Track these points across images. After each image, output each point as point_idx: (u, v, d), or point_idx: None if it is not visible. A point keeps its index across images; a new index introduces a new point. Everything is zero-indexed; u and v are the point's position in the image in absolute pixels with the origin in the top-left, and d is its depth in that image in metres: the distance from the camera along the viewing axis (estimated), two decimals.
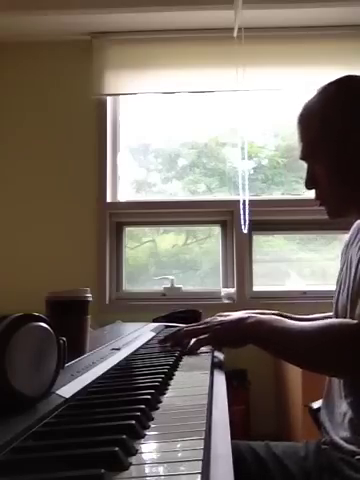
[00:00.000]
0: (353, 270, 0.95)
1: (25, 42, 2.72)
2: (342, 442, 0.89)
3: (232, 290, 2.63)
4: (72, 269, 2.59)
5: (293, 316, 1.16)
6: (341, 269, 1.04)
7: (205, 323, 1.02)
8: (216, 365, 0.87)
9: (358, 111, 0.96)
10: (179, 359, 0.90)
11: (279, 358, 1.04)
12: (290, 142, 2.86)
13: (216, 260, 2.78)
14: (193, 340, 0.98)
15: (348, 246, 1.06)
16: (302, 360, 0.90)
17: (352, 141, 0.95)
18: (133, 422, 0.48)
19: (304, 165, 1.04)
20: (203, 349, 0.98)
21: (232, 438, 0.50)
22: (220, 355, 0.97)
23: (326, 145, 0.97)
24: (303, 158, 1.03)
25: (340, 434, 0.91)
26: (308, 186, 1.03)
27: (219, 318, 1.02)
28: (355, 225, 1.07)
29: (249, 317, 0.95)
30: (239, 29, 2.46)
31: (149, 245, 2.92)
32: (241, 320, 0.95)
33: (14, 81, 2.75)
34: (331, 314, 1.10)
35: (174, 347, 0.97)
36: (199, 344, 0.96)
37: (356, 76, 1.00)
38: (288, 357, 0.95)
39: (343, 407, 0.92)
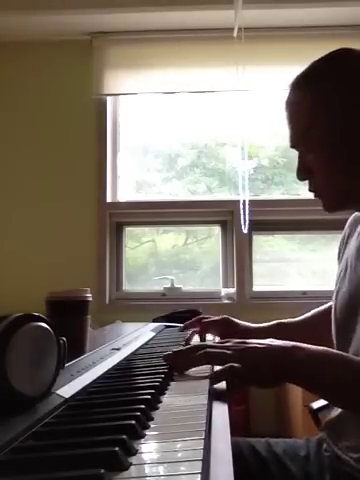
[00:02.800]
0: (353, 265, 0.91)
1: (25, 42, 2.72)
2: (348, 452, 0.87)
3: (232, 290, 2.63)
4: (72, 269, 2.59)
5: (293, 320, 1.15)
6: (341, 266, 1.00)
7: (222, 343, 0.79)
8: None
9: (355, 91, 0.86)
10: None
11: (326, 400, 0.86)
12: None
13: (216, 260, 2.78)
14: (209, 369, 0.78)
15: (345, 241, 1.02)
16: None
17: (349, 125, 0.85)
18: (133, 422, 0.48)
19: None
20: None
21: (232, 437, 0.50)
22: None
23: (319, 130, 0.87)
24: (293, 146, 0.94)
25: (345, 442, 0.89)
26: (300, 177, 0.93)
27: (253, 341, 0.78)
28: (351, 219, 1.03)
29: (298, 349, 0.75)
30: (239, 29, 2.46)
31: (149, 245, 2.92)
32: (289, 351, 0.75)
33: (14, 81, 2.74)
34: (330, 304, 1.09)
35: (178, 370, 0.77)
36: (227, 374, 0.71)
37: (353, 50, 0.91)
38: (341, 401, 0.79)
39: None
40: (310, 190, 0.94)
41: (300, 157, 0.93)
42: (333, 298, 0.99)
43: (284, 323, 1.16)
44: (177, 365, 0.78)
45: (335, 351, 0.78)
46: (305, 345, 0.76)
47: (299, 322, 1.17)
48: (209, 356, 0.76)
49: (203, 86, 2.67)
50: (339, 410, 0.92)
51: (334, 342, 0.96)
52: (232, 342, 0.78)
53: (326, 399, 0.85)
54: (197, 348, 0.78)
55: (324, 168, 0.89)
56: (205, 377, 0.72)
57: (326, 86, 0.87)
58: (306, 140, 0.90)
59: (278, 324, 1.16)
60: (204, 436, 0.46)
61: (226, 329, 1.12)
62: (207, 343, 0.82)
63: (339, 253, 1.06)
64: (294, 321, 1.17)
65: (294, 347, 0.75)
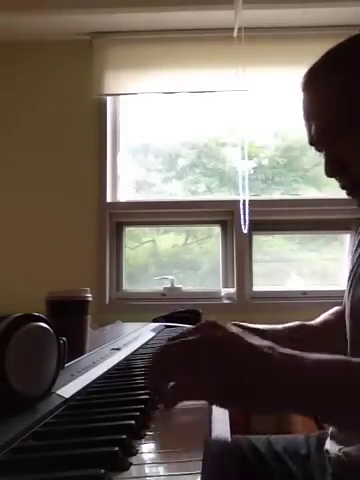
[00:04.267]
0: None
1: (25, 42, 2.72)
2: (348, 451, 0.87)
3: (232, 290, 2.63)
4: (72, 269, 2.59)
5: (290, 325, 1.07)
6: (354, 263, 0.93)
7: (194, 356, 0.55)
8: None
9: None
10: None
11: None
12: (290, 142, 2.86)
13: (216, 260, 2.78)
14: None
15: None
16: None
17: None
18: (133, 422, 0.48)
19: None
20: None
21: (232, 435, 0.50)
22: None
23: (354, 117, 0.79)
24: (316, 143, 0.85)
25: (344, 442, 0.88)
26: (331, 173, 0.83)
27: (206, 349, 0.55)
28: None
29: (255, 358, 0.55)
30: (239, 29, 2.46)
31: (149, 245, 2.92)
32: (246, 367, 0.54)
33: (14, 81, 2.74)
34: (338, 308, 1.06)
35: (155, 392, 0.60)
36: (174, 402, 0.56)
37: None
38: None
39: None
40: (343, 187, 0.84)
41: (328, 153, 0.84)
42: (347, 294, 0.94)
43: (300, 326, 1.06)
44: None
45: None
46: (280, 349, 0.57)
47: (302, 325, 1.09)
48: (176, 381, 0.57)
49: (203, 86, 2.67)
50: None
51: (349, 340, 0.92)
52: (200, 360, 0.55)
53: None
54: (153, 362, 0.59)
55: None
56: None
57: (351, 72, 0.80)
58: (336, 131, 0.81)
59: (298, 326, 1.05)
60: (204, 435, 0.46)
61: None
62: (161, 350, 0.60)
63: (355, 249, 0.98)
64: (292, 327, 1.06)
65: (269, 348, 0.56)
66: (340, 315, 1.00)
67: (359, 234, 1.00)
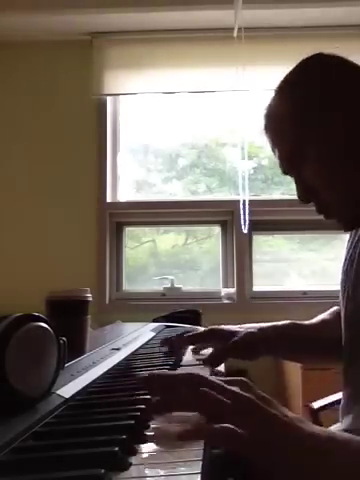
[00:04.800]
0: None
1: (25, 42, 2.72)
2: None
3: (232, 290, 2.63)
4: (72, 269, 2.59)
5: (305, 323, 1.05)
6: (346, 268, 0.92)
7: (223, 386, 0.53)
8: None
9: (335, 93, 0.79)
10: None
11: None
12: None
13: (216, 260, 2.78)
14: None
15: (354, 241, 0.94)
16: None
17: (340, 123, 0.78)
18: (133, 422, 0.48)
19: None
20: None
21: None
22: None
23: (314, 140, 0.79)
24: (286, 170, 0.86)
25: None
26: (304, 199, 0.84)
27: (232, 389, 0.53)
28: None
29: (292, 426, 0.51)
30: (239, 29, 2.46)
31: (149, 245, 2.92)
32: (278, 433, 0.50)
33: (14, 81, 2.75)
34: (336, 308, 1.04)
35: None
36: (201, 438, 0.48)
37: (325, 55, 0.84)
38: None
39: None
40: (318, 211, 0.84)
41: (297, 180, 0.85)
42: (342, 303, 0.93)
43: (298, 324, 1.05)
44: (156, 407, 0.54)
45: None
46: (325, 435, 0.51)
47: (308, 325, 1.08)
48: (201, 406, 0.51)
49: (203, 86, 2.67)
50: (343, 424, 0.89)
51: (343, 340, 0.92)
52: (238, 394, 0.53)
53: None
54: (187, 380, 0.54)
55: (328, 182, 0.80)
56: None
57: (306, 95, 0.81)
58: (299, 157, 0.81)
59: (292, 324, 1.04)
60: None
61: (214, 340, 0.99)
62: (204, 376, 0.54)
63: (347, 251, 0.96)
64: (306, 323, 1.06)
65: (309, 435, 0.50)
66: (338, 315, 1.00)
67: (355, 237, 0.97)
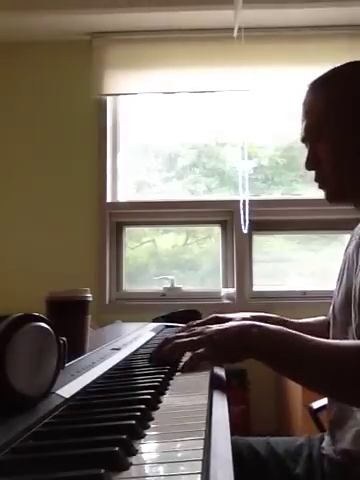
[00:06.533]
0: (352, 260, 0.93)
1: (25, 42, 2.72)
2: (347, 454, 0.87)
3: (232, 290, 2.63)
4: (72, 269, 2.59)
5: (294, 321, 1.12)
6: (342, 268, 1.01)
7: (197, 333, 0.83)
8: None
9: None
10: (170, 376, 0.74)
11: (287, 377, 0.85)
12: (290, 142, 2.86)
13: (216, 260, 2.78)
14: (186, 356, 0.83)
15: (350, 244, 1.02)
16: (322, 385, 0.77)
17: (358, 127, 0.93)
18: (133, 422, 0.48)
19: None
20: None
21: (231, 436, 0.50)
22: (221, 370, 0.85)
23: (331, 128, 0.95)
24: (304, 139, 1.01)
25: (349, 445, 0.88)
26: (308, 166, 1.00)
27: (214, 326, 0.84)
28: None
29: (252, 326, 0.79)
30: (239, 29, 2.46)
31: (149, 245, 2.92)
32: (243, 330, 0.79)
33: (14, 81, 2.75)
34: (323, 318, 1.09)
35: (162, 366, 0.78)
36: (195, 362, 0.78)
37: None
38: (301, 378, 0.80)
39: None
40: (316, 180, 1.00)
41: (310, 149, 1.00)
42: (333, 300, 1.00)
43: (285, 320, 1.11)
44: (158, 363, 0.81)
45: (293, 331, 0.78)
46: (264, 324, 0.79)
47: (299, 323, 1.13)
48: (177, 347, 0.82)
49: (203, 86, 2.67)
50: (338, 414, 0.92)
51: (330, 336, 0.97)
52: (197, 329, 0.85)
53: (289, 378, 0.85)
54: (167, 341, 0.84)
55: (332, 159, 0.96)
56: (177, 370, 0.77)
57: (340, 92, 0.96)
58: (319, 133, 0.97)
59: (280, 320, 1.09)
60: (204, 436, 0.46)
61: None
62: (175, 334, 0.87)
63: (345, 253, 1.05)
64: (295, 321, 1.12)
65: (251, 325, 0.79)
66: (323, 325, 1.03)
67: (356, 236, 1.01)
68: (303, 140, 1.02)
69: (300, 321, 1.12)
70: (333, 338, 0.96)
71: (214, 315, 1.06)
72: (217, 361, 0.82)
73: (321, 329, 1.04)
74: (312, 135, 0.99)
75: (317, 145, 0.98)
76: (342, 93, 0.96)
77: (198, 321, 1.01)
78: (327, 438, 0.95)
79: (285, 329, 0.79)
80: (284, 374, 0.85)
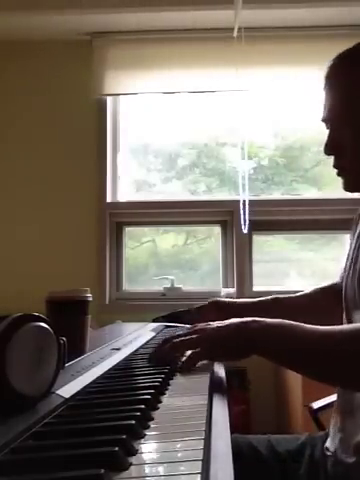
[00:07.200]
0: None
1: (25, 42, 2.72)
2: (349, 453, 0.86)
3: (232, 290, 2.63)
4: (72, 269, 2.59)
5: (291, 296, 1.13)
6: (354, 246, 0.97)
7: (195, 331, 0.82)
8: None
9: None
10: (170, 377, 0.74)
11: (294, 370, 0.81)
12: (290, 142, 2.86)
13: (216, 260, 2.78)
14: (185, 355, 0.81)
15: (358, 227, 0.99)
16: (329, 374, 0.74)
17: None
18: (133, 422, 0.48)
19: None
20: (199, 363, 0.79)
21: (231, 435, 0.50)
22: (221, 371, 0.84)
23: (355, 112, 0.88)
24: (326, 120, 0.93)
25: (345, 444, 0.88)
26: (328, 151, 0.92)
27: (214, 323, 0.81)
28: None
29: (252, 321, 0.76)
30: (239, 29, 2.46)
31: (149, 245, 2.92)
32: (243, 326, 0.76)
33: (14, 81, 2.75)
34: (335, 282, 1.08)
35: (162, 366, 0.76)
36: (193, 361, 0.78)
37: None
38: (308, 370, 0.77)
39: None
40: (335, 166, 0.93)
41: (331, 132, 0.92)
42: (343, 277, 0.98)
43: (280, 299, 1.15)
44: (157, 363, 0.79)
45: (291, 322, 0.75)
46: (262, 319, 0.76)
47: (297, 298, 1.15)
48: (176, 347, 0.81)
49: (203, 86, 2.67)
50: (348, 406, 0.91)
51: (344, 321, 0.95)
52: (197, 327, 0.84)
53: (296, 371, 0.82)
54: (166, 341, 0.83)
55: (356, 146, 0.88)
56: (176, 370, 0.77)
57: None
58: (343, 116, 0.89)
59: (274, 300, 1.14)
60: (204, 436, 0.46)
61: (217, 313, 1.07)
62: (175, 334, 0.86)
63: (353, 230, 1.02)
64: (292, 297, 1.15)
65: (250, 321, 0.76)
66: (331, 290, 1.02)
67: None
68: (324, 120, 0.94)
69: (298, 296, 1.14)
70: (346, 311, 0.94)
71: (214, 299, 1.08)
72: (217, 359, 0.81)
73: (316, 302, 1.07)
74: (335, 117, 0.91)
75: (340, 129, 0.90)
76: None
77: (198, 306, 1.03)
78: (333, 436, 0.93)
79: (285, 321, 0.76)
80: (290, 367, 0.81)
